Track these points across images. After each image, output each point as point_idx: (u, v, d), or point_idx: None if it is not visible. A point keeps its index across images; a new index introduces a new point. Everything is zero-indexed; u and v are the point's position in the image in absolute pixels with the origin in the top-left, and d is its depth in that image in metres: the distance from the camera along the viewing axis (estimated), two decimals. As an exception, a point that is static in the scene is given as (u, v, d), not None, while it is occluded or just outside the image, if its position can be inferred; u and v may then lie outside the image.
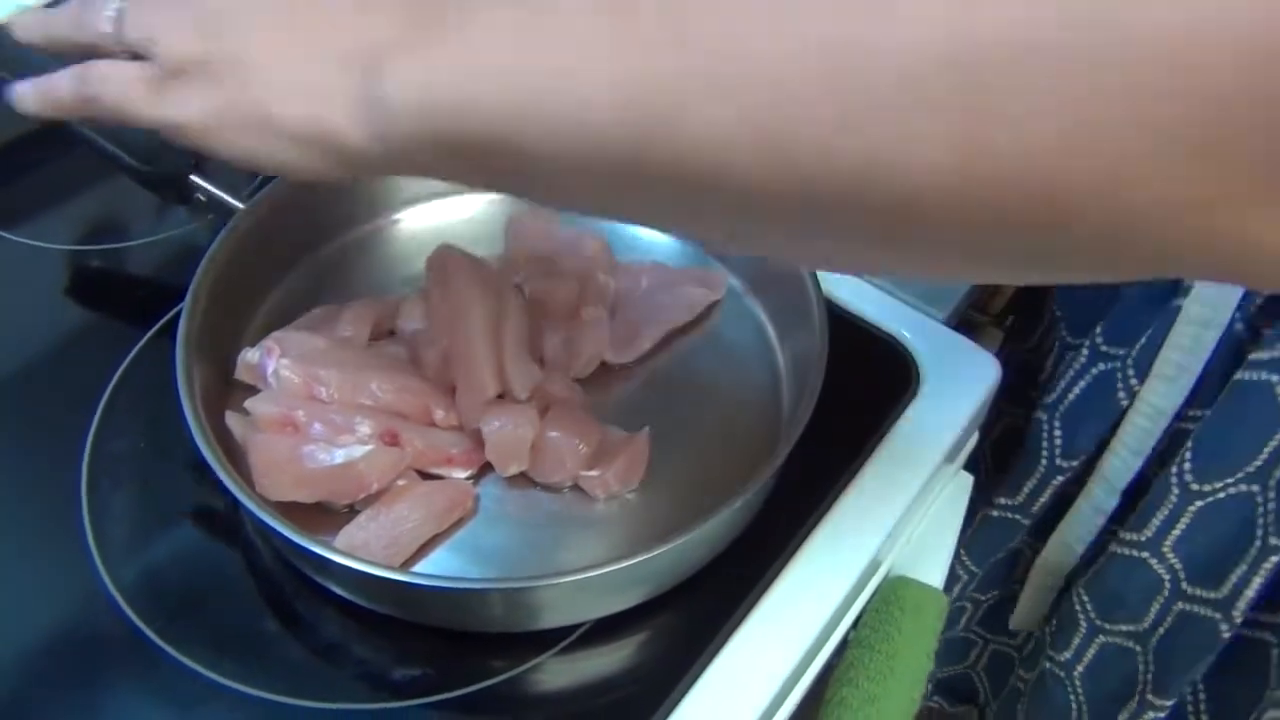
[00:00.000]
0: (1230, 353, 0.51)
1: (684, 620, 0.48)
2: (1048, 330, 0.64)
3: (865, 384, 0.56)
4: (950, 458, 0.55)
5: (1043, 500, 0.61)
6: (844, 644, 0.52)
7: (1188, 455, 0.53)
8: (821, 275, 0.60)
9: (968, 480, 0.58)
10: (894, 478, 0.53)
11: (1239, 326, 0.51)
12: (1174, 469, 0.53)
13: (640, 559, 0.42)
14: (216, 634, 0.45)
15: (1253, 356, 0.49)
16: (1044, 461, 0.61)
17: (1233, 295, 0.50)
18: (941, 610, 0.53)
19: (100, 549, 0.48)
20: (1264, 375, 0.49)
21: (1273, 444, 0.50)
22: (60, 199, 0.64)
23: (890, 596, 0.53)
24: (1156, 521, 0.55)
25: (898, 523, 0.52)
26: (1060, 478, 0.60)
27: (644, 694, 0.45)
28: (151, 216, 0.62)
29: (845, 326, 0.58)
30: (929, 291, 0.60)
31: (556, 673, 0.46)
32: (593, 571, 0.42)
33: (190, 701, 0.44)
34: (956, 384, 0.56)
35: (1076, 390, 0.58)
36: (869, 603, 0.53)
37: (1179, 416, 0.54)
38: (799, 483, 0.51)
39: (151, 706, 0.44)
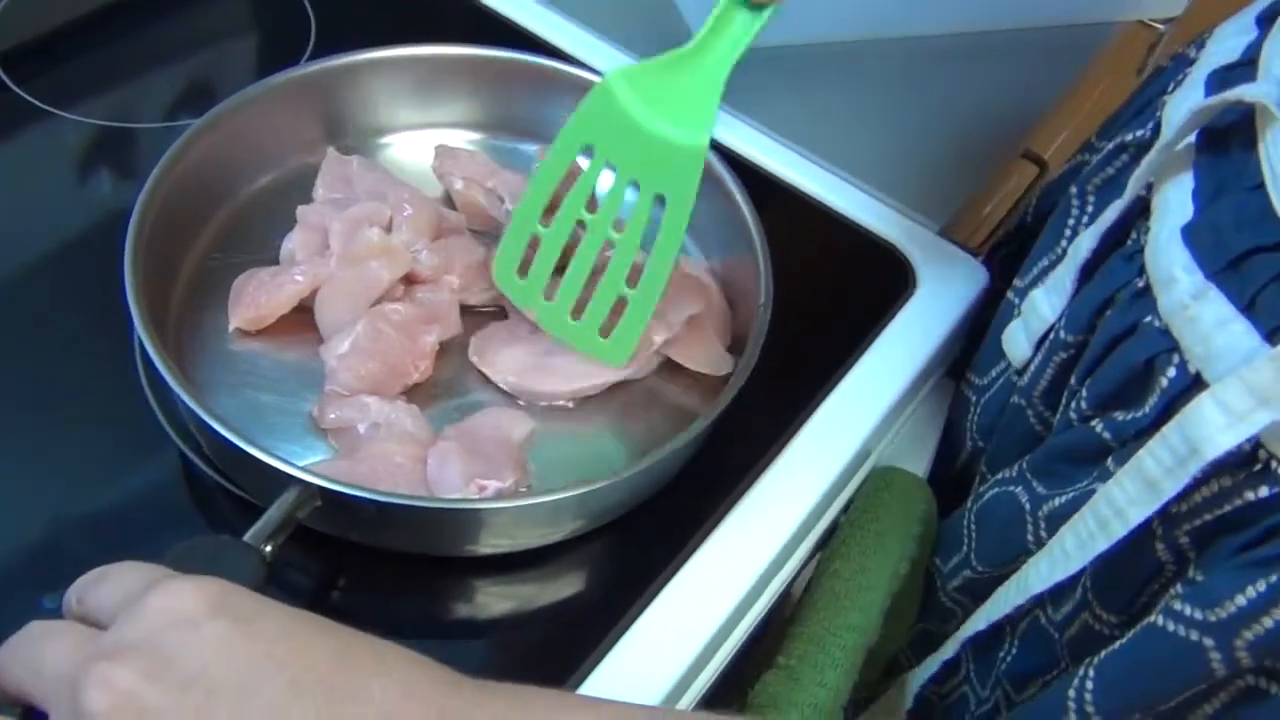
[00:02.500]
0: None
1: (686, 497, 0.52)
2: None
3: (862, 286, 0.62)
4: (938, 357, 0.60)
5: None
6: (834, 527, 0.57)
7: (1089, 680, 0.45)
8: (821, 183, 0.65)
9: (950, 385, 0.63)
10: (885, 373, 0.58)
11: (1159, 547, 0.44)
12: (1071, 690, 0.45)
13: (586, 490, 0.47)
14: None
15: (1174, 605, 0.41)
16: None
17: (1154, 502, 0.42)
18: (927, 498, 0.58)
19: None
20: (1182, 630, 0.41)
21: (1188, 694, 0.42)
22: (115, 78, 0.65)
23: (879, 483, 0.58)
24: None
25: (887, 414, 0.58)
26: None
27: (652, 557, 0.51)
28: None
29: (846, 232, 0.63)
30: (925, 203, 0.65)
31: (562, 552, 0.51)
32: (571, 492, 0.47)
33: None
34: (947, 288, 0.61)
35: (987, 496, 0.54)
36: (858, 490, 0.58)
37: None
38: (795, 375, 0.56)
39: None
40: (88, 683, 0.29)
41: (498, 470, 0.49)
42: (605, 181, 0.52)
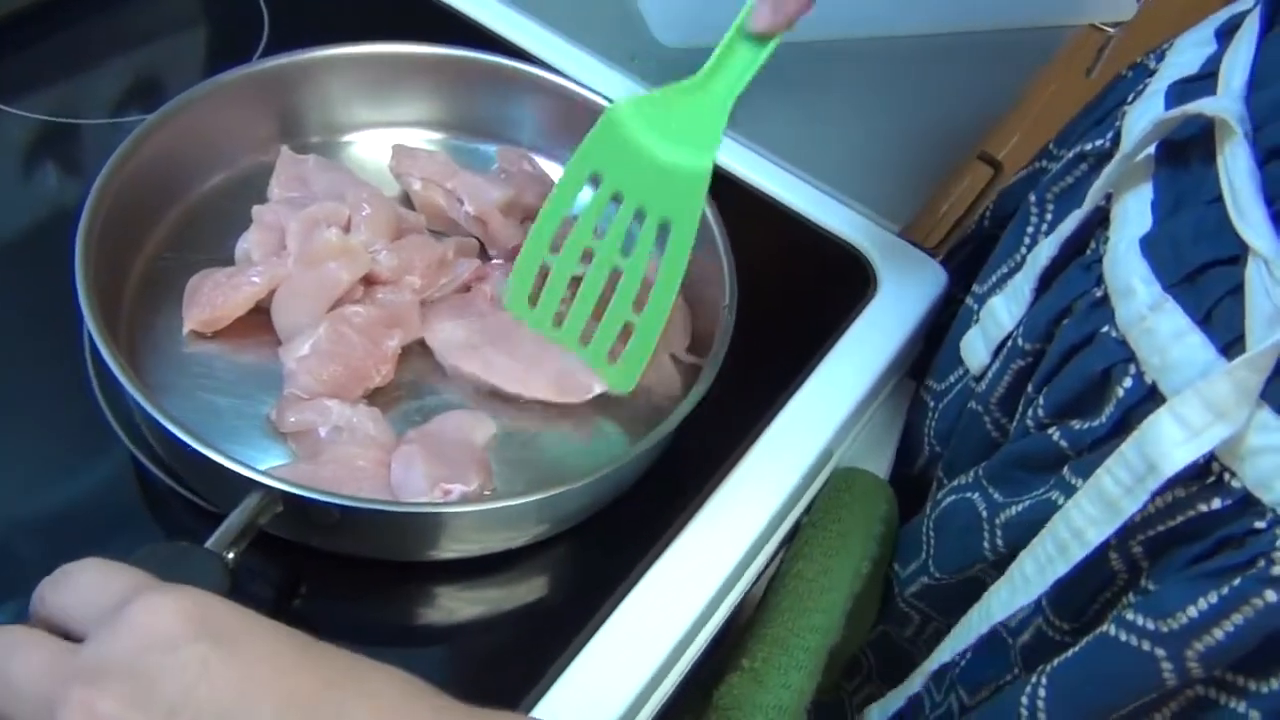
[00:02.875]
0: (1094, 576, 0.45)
1: (651, 500, 0.53)
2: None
3: (824, 288, 0.62)
4: (899, 358, 0.61)
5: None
6: (796, 528, 0.57)
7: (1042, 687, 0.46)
8: (782, 185, 0.65)
9: (911, 385, 0.63)
10: (848, 375, 0.59)
11: (1114, 558, 0.45)
12: (1024, 698, 0.46)
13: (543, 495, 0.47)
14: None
15: (1126, 615, 0.42)
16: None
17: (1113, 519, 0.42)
18: (888, 498, 0.59)
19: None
20: (1134, 639, 0.42)
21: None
22: (61, 72, 0.64)
23: (840, 484, 0.58)
24: None
25: (850, 415, 0.58)
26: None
27: (617, 561, 0.50)
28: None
29: (807, 234, 0.63)
30: (884, 204, 0.65)
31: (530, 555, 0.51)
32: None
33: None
34: (908, 290, 0.62)
35: (945, 503, 0.55)
36: (820, 490, 0.58)
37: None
38: (758, 378, 0.57)
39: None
40: (66, 709, 0.29)
41: (462, 474, 0.49)
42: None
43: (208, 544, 0.41)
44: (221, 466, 0.43)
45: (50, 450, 0.50)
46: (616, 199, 0.53)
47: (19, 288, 0.54)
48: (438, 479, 0.48)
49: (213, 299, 0.51)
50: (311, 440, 0.49)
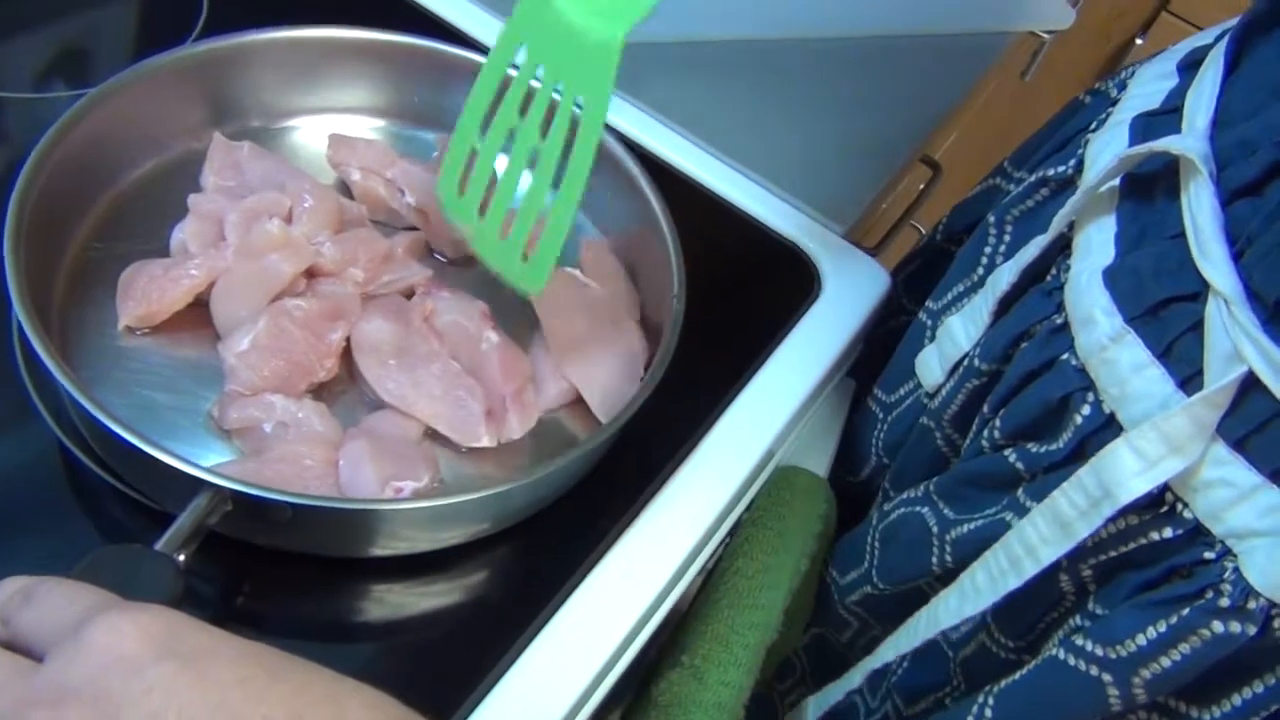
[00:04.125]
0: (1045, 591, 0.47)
1: (594, 503, 0.53)
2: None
3: (769, 288, 0.63)
4: (841, 359, 0.62)
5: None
6: (737, 525, 0.59)
7: (989, 708, 0.48)
8: (730, 184, 0.66)
9: (850, 385, 0.65)
10: (792, 375, 0.60)
11: (1063, 579, 0.47)
12: (970, 717, 0.48)
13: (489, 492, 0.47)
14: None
15: (1076, 640, 0.44)
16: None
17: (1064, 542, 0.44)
18: (827, 497, 0.61)
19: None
20: (1083, 664, 0.43)
21: None
22: None
23: (781, 482, 0.60)
24: None
25: (793, 416, 0.59)
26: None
27: (563, 559, 0.51)
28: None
29: (753, 233, 0.64)
30: (831, 206, 0.66)
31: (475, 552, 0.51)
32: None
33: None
34: (852, 291, 0.63)
35: (893, 516, 0.56)
36: (761, 489, 0.60)
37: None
38: (703, 377, 0.57)
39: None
40: None
41: (411, 469, 0.49)
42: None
43: (158, 546, 0.41)
44: (172, 467, 0.43)
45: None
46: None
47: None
48: (388, 477, 0.48)
49: (149, 293, 0.50)
50: (256, 437, 0.49)
